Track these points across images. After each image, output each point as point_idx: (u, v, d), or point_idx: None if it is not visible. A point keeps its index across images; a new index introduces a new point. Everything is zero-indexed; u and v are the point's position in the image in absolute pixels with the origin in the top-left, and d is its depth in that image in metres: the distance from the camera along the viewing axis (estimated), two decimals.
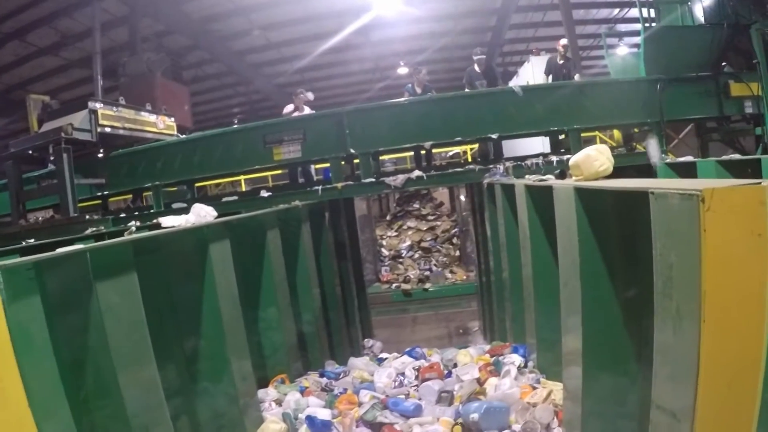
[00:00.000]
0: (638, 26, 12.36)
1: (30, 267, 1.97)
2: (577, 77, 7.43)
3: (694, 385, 1.72)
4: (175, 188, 7.63)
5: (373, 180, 5.64)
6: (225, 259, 3.29)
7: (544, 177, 3.66)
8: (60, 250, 2.24)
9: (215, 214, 3.40)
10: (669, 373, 1.97)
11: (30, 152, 6.46)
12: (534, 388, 3.39)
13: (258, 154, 5.97)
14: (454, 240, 11.58)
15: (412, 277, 10.69)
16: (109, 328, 2.28)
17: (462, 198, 11.46)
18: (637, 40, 13.24)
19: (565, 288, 2.95)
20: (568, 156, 5.65)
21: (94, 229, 5.42)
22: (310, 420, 3.18)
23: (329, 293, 5.71)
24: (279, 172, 8.91)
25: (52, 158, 6.15)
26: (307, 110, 7.15)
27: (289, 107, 7.20)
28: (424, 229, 11.84)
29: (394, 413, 3.26)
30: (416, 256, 11.35)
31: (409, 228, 11.91)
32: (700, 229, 1.66)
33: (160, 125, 7.35)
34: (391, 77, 14.77)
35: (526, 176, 4.45)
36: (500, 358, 3.83)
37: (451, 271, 11.12)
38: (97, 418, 2.28)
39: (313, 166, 7.24)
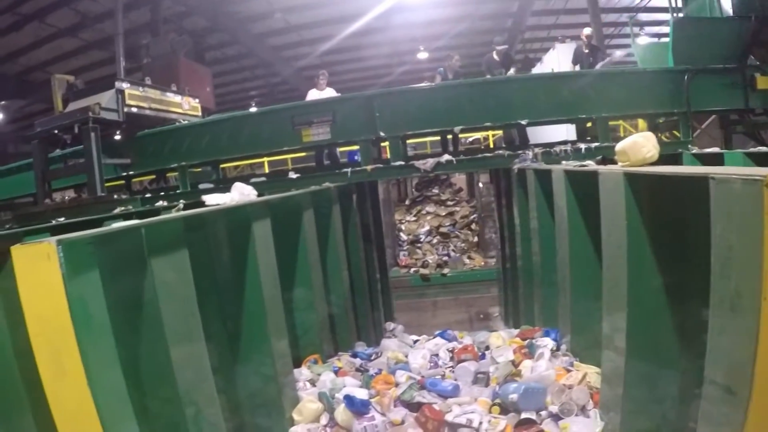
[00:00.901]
0: (659, 16, 12.25)
1: (89, 241, 1.94)
2: (599, 65, 7.32)
3: (753, 357, 1.74)
4: (199, 169, 7.68)
5: (403, 163, 5.62)
6: (267, 237, 3.31)
7: (584, 163, 3.63)
8: (115, 225, 2.24)
9: (256, 192, 3.41)
10: (725, 348, 1.97)
11: (56, 132, 6.52)
12: (568, 371, 3.40)
13: (286, 135, 5.95)
14: (473, 226, 11.58)
15: (430, 262, 10.72)
16: (163, 304, 2.28)
17: (481, 184, 11.44)
18: (659, 29, 13.11)
19: (609, 272, 2.93)
20: (596, 144, 5.64)
21: (123, 208, 5.47)
22: (349, 399, 3.20)
23: (356, 276, 5.73)
24: (302, 154, 8.89)
25: (68, 139, 6.21)
26: (330, 91, 7.11)
27: (312, 92, 7.17)
28: (443, 214, 11.85)
29: (431, 393, 3.29)
30: (434, 241, 11.38)
31: (428, 213, 11.92)
32: (763, 212, 1.68)
33: (185, 106, 7.36)
34: (411, 62, 14.67)
35: (563, 162, 4.41)
36: (533, 341, 3.83)
37: (469, 257, 11.14)
38: (150, 395, 2.30)
39: (338, 149, 7.21)
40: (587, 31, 7.58)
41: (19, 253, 1.74)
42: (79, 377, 1.74)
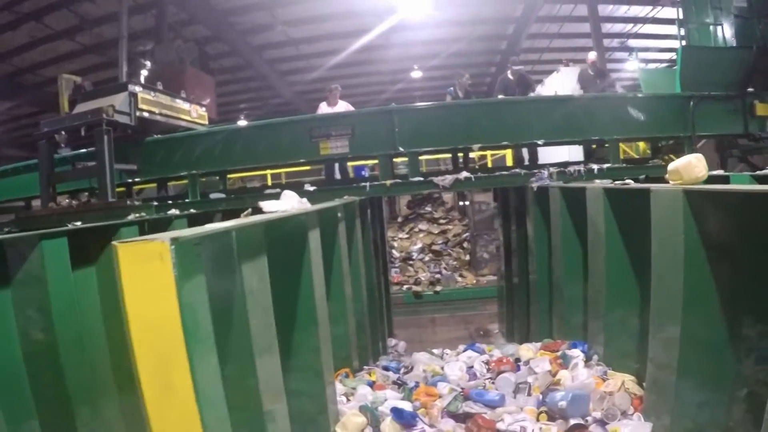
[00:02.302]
0: (650, 42, 12.80)
1: (197, 242, 1.81)
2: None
3: None
4: (203, 179, 7.60)
5: (422, 179, 5.69)
6: (318, 247, 3.31)
7: (625, 181, 3.77)
8: (209, 227, 2.19)
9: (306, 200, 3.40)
10: None
11: (62, 133, 6.37)
12: (604, 380, 3.48)
13: (304, 147, 5.96)
14: (465, 244, 11.69)
15: (423, 279, 10.77)
16: (251, 311, 2.24)
17: (477, 202, 11.61)
18: (647, 55, 13.69)
19: (661, 286, 3.02)
20: (608, 164, 5.83)
21: (137, 215, 5.37)
22: (397, 411, 3.20)
23: (370, 290, 5.74)
24: (305, 168, 8.89)
25: (62, 145, 6.06)
26: (342, 105, 7.16)
27: (323, 106, 7.21)
28: (436, 232, 11.92)
29: (477, 404, 3.30)
30: (427, 258, 11.43)
31: (421, 231, 11.98)
32: None
33: (194, 114, 7.29)
34: (405, 80, 14.87)
35: (596, 181, 4.54)
36: (566, 352, 3.90)
37: (461, 275, 11.24)
38: (237, 406, 2.23)
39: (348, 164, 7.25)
40: (592, 55, 7.86)
41: (127, 251, 1.54)
42: (187, 394, 1.58)
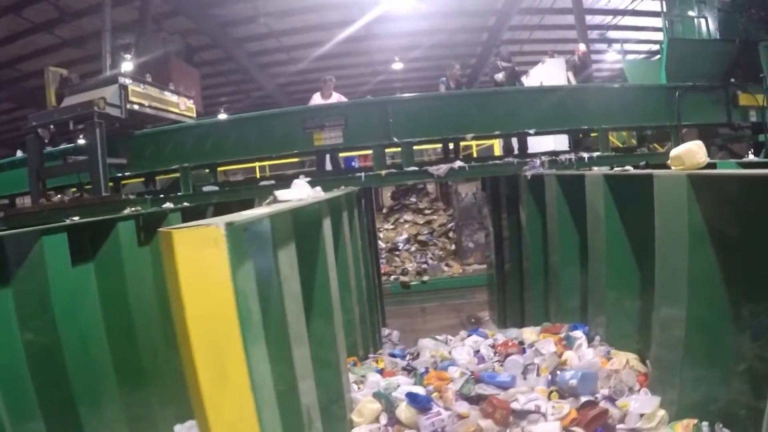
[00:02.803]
0: (629, 34, 13.08)
1: (245, 228, 1.77)
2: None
3: None
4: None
5: (417, 168, 5.75)
6: (331, 236, 3.35)
7: (625, 168, 3.90)
8: (246, 213, 2.16)
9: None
10: None
11: (51, 128, 6.25)
12: (608, 359, 3.62)
13: (297, 138, 5.95)
14: (450, 234, 11.83)
15: (410, 269, 10.88)
16: (286, 299, 2.25)
17: (461, 192, 11.74)
18: (628, 47, 13.97)
19: (665, 267, 3.15)
20: (598, 153, 5.98)
21: (134, 209, 5.31)
22: (412, 396, 3.27)
23: (367, 280, 5.80)
24: (294, 160, 8.87)
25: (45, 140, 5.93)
26: (335, 97, 7.17)
27: (317, 97, 7.20)
28: (421, 222, 12.04)
29: (490, 385, 3.40)
30: (413, 249, 11.54)
31: (406, 221, 12.08)
32: None
33: (182, 106, 7.19)
34: (386, 72, 14.89)
35: (593, 168, 4.66)
36: (569, 333, 4.04)
37: (447, 265, 11.39)
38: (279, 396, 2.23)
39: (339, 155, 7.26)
40: (582, 47, 8.02)
41: (182, 237, 1.49)
42: (243, 385, 1.56)
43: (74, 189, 6.94)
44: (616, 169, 4.05)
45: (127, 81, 6.13)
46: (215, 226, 1.49)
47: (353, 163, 8.72)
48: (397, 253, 11.50)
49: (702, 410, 2.86)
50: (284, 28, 12.53)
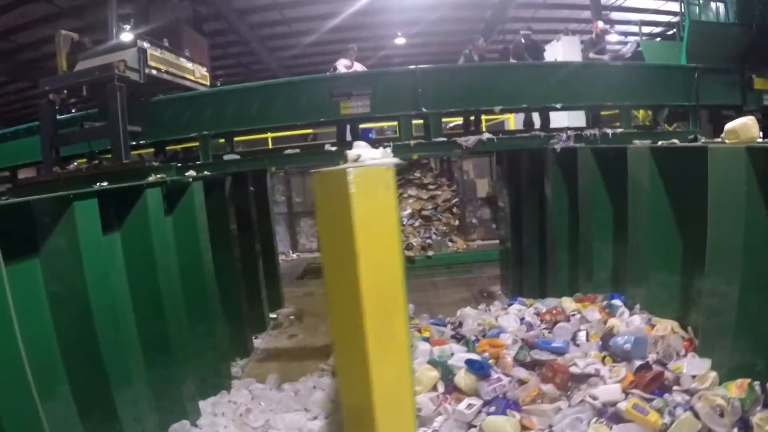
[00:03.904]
0: (631, 15, 13.11)
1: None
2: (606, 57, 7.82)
3: None
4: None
5: (445, 139, 5.73)
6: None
7: (671, 141, 3.96)
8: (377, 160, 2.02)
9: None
10: None
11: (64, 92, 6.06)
12: (652, 326, 3.74)
13: (323, 107, 5.89)
14: (454, 210, 11.88)
15: (414, 244, 10.92)
16: None
17: (465, 168, 11.78)
18: (627, 28, 14.02)
19: (719, 237, 3.24)
20: (621, 129, 6.03)
21: (160, 176, 5.21)
22: (471, 363, 3.32)
23: None
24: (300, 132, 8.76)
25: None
26: (357, 66, 7.08)
27: (343, 62, 7.10)
28: (425, 198, 12.05)
29: (545, 351, 3.46)
30: (417, 224, 11.57)
31: (410, 196, 12.07)
32: None
33: (197, 74, 7.04)
34: (388, 47, 14.69)
35: (635, 141, 4.70)
36: (611, 302, 4.13)
37: (451, 240, 11.47)
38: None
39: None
40: (601, 24, 8.02)
41: (359, 176, 1.49)
42: (403, 345, 1.58)
43: (83, 159, 6.72)
44: (661, 142, 4.10)
45: (146, 45, 5.97)
46: (387, 167, 1.42)
47: (370, 135, 8.64)
48: (402, 228, 11.52)
49: (751, 371, 2.97)
50: (288, 0, 12.27)
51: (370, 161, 2.82)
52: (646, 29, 13.68)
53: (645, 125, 7.09)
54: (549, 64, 6.94)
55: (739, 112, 6.93)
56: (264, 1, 12.22)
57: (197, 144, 6.32)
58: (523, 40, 7.23)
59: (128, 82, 5.65)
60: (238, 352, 6.10)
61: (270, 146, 10.35)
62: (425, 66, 5.90)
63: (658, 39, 7.97)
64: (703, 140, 5.84)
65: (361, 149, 3.30)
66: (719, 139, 3.54)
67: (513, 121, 8.51)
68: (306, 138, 11.81)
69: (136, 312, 4.30)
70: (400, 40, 14.20)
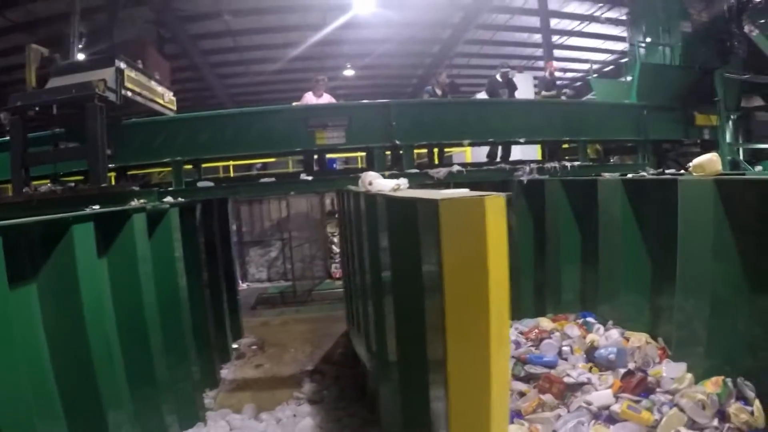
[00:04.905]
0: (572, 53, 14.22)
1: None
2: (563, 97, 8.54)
3: None
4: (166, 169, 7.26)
5: (417, 170, 6.01)
6: None
7: (639, 173, 4.45)
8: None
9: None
10: None
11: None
12: (626, 339, 4.10)
13: (299, 136, 6.01)
14: None
15: None
16: None
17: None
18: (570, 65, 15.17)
19: (689, 261, 3.67)
20: (579, 162, 6.55)
21: (143, 201, 5.13)
22: None
23: None
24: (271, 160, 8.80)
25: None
26: (326, 98, 7.28)
27: (308, 95, 7.28)
28: None
29: (537, 366, 3.75)
30: None
31: None
32: None
33: (166, 98, 6.97)
34: (337, 78, 14.99)
35: (604, 174, 5.17)
36: (586, 319, 4.53)
37: None
38: None
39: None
40: (555, 63, 8.72)
41: (490, 203, 1.64)
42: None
43: (47, 180, 6.42)
44: (630, 175, 4.59)
45: (122, 65, 5.87)
46: (500, 196, 1.67)
47: (334, 165, 8.83)
48: None
49: (721, 370, 3.39)
50: (241, 27, 12.36)
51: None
52: (584, 66, 15.00)
53: (594, 159, 7.74)
54: (513, 101, 7.45)
55: (683, 146, 7.81)
56: (218, 27, 12.24)
57: (156, 170, 6.26)
58: (499, 78, 7.74)
59: (105, 103, 5.55)
60: (207, 383, 6.00)
61: (222, 174, 10.31)
62: (399, 100, 6.26)
63: (595, 76, 8.67)
64: (651, 172, 6.57)
65: (372, 177, 3.54)
66: (684, 172, 4.01)
67: (469, 154, 9.00)
68: (251, 168, 11.87)
69: (121, 338, 4.22)
70: (349, 72, 14.58)
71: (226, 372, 6.72)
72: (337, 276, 11.38)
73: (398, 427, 2.92)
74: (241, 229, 12.75)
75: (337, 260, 11.86)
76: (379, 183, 3.25)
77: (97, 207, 4.46)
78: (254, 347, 7.58)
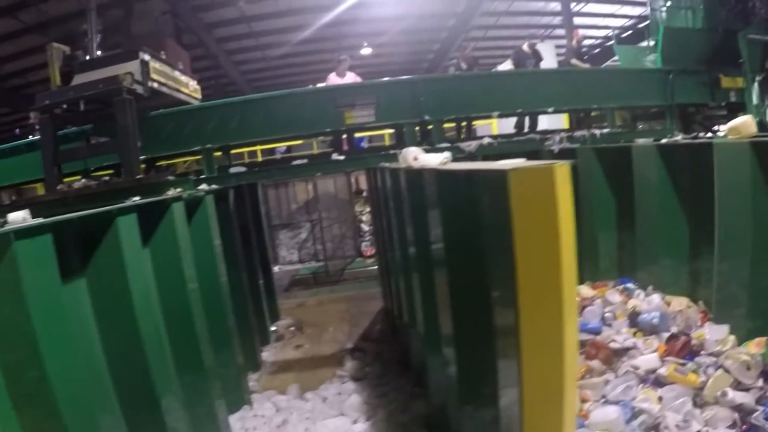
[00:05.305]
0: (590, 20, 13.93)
1: None
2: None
3: None
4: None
5: (448, 144, 6.00)
6: None
7: (674, 138, 4.40)
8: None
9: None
10: None
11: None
12: (668, 303, 4.14)
13: (327, 117, 6.04)
14: None
15: None
16: None
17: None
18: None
19: (727, 222, 3.67)
20: (608, 129, 6.48)
21: (180, 189, 5.21)
22: None
23: None
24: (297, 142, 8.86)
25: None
26: (350, 76, 7.27)
27: (332, 76, 7.28)
28: None
29: (583, 332, 3.78)
30: None
31: None
32: None
33: (190, 87, 7.02)
34: (355, 57, 14.88)
35: (637, 140, 5.12)
36: (627, 285, 4.53)
37: None
38: None
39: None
40: (581, 31, 8.58)
41: (559, 172, 1.63)
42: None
43: (78, 176, 6.56)
44: (663, 140, 4.55)
45: (147, 57, 5.92)
46: (565, 164, 1.66)
47: (362, 144, 8.85)
48: None
49: (764, 331, 3.41)
50: (255, 13, 12.33)
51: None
52: (600, 33, 14.69)
53: (620, 125, 7.63)
54: (540, 71, 7.39)
55: (710, 109, 7.66)
56: (232, 14, 12.22)
57: (181, 161, 6.31)
58: (527, 48, 7.64)
59: (134, 95, 5.63)
60: (249, 366, 6.12)
61: (248, 160, 10.39)
62: (425, 76, 6.27)
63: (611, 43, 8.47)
64: (681, 136, 6.48)
65: (415, 152, 3.55)
66: (721, 135, 3.97)
67: (495, 126, 8.94)
68: (274, 152, 11.96)
69: (168, 326, 4.30)
70: (366, 51, 14.49)
71: (267, 354, 6.86)
72: (368, 254, 11.51)
73: (454, 398, 2.99)
74: (269, 213, 12.90)
75: (366, 238, 11.98)
76: (424, 158, 3.27)
77: (137, 198, 4.55)
78: (292, 328, 7.72)
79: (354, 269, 10.73)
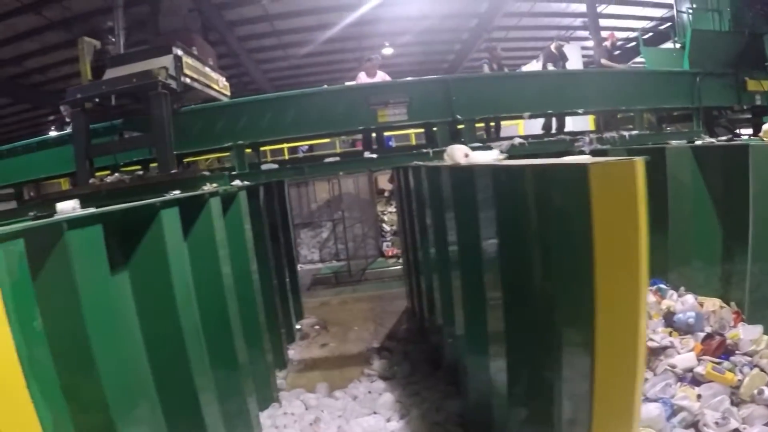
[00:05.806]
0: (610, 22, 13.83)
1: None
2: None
3: None
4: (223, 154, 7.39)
5: (480, 144, 5.99)
6: None
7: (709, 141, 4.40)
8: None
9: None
10: None
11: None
12: (701, 303, 4.18)
13: (359, 115, 6.07)
14: None
15: None
16: None
17: None
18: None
19: (762, 223, 3.69)
20: (636, 131, 6.44)
21: (216, 185, 5.25)
22: None
23: None
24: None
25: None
26: (380, 75, 7.29)
27: (362, 75, 7.30)
28: None
29: None
30: None
31: None
32: None
33: (220, 83, 7.08)
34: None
35: (671, 142, 5.10)
36: (660, 285, 4.54)
37: None
38: None
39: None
40: (616, 34, 8.56)
41: (639, 166, 1.68)
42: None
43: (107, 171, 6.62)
44: (698, 142, 4.54)
45: (179, 52, 5.95)
46: (641, 160, 1.68)
47: (390, 143, 8.87)
48: None
49: None
50: (278, 11, 12.38)
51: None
52: (621, 34, 14.56)
53: (655, 126, 7.63)
54: (570, 72, 7.38)
55: (734, 112, 7.60)
56: (255, 12, 12.29)
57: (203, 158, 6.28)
58: (554, 49, 7.64)
59: (168, 90, 5.67)
60: (277, 364, 6.13)
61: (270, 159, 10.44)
62: (457, 75, 6.23)
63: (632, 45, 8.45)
64: (707, 138, 6.43)
65: (464, 150, 3.56)
66: (757, 138, 3.96)
67: (522, 127, 8.92)
68: (296, 150, 12.02)
69: (204, 321, 4.30)
70: (388, 50, 14.49)
71: (293, 352, 6.91)
72: (390, 254, 11.54)
73: (502, 397, 2.99)
74: (291, 212, 12.96)
75: (388, 239, 12.01)
76: (474, 155, 3.28)
77: (177, 192, 4.59)
78: (317, 327, 7.76)
79: (375, 269, 10.75)
